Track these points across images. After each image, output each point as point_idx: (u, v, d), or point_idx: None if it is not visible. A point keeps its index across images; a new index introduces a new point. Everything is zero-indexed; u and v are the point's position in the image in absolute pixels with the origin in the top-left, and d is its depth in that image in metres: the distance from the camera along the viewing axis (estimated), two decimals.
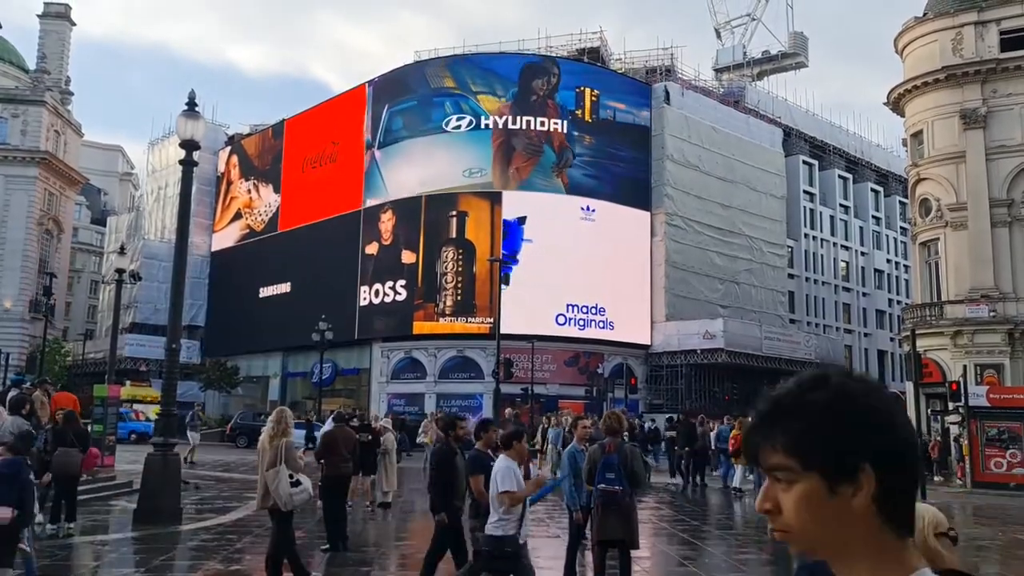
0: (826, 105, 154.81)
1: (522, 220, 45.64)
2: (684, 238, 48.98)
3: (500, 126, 47.62)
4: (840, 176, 63.71)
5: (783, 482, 1.15)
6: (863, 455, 1.11)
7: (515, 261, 40.61)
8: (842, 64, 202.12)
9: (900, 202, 64.70)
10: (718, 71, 68.10)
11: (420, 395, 45.72)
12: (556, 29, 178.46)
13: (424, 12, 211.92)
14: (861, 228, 65.05)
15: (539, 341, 41.88)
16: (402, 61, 59.19)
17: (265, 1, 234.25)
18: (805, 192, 60.49)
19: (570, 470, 9.35)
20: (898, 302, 62.89)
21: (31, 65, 65.94)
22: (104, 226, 76.13)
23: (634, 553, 8.84)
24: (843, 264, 63.35)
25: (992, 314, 33.36)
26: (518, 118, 47.55)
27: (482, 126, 47.88)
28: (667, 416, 34.59)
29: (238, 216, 60.88)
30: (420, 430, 30.53)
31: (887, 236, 67.33)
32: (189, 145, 14.78)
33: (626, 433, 18.36)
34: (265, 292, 56.07)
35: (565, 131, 47.95)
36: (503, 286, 34.97)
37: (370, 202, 50.35)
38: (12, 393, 14.09)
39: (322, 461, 12.43)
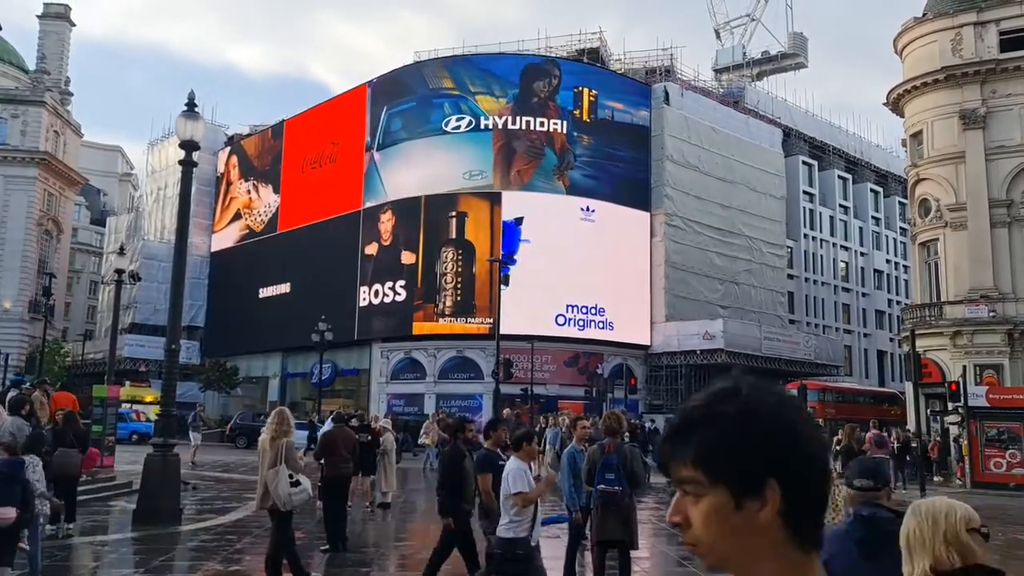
0: (826, 106, 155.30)
1: (519, 221, 45.65)
2: (684, 238, 48.98)
3: (500, 127, 47.63)
4: (840, 176, 63.74)
5: (692, 495, 1.14)
6: (769, 470, 1.10)
7: (513, 261, 40.58)
8: (842, 64, 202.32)
9: (900, 202, 64.73)
10: (718, 71, 68.11)
11: (420, 395, 45.73)
12: (556, 29, 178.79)
13: (424, 12, 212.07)
14: (861, 228, 65.09)
15: (539, 341, 41.87)
16: (402, 61, 59.26)
17: (265, 1, 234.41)
18: (805, 192, 60.51)
19: (569, 471, 9.35)
20: (898, 302, 62.91)
21: (31, 65, 65.93)
22: (103, 226, 76.13)
23: (633, 554, 8.84)
24: (843, 264, 63.37)
25: (991, 314, 33.37)
26: (518, 118, 47.56)
27: (481, 127, 47.88)
28: (666, 416, 34.53)
29: (238, 216, 60.87)
30: (422, 431, 30.56)
31: (887, 236, 67.37)
32: (189, 146, 14.78)
33: (627, 434, 18.39)
34: (265, 293, 56.06)
35: (565, 131, 47.95)
36: (503, 286, 34.96)
37: (369, 203, 50.36)
38: (12, 394, 14.09)
39: (322, 461, 12.43)
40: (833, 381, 48.63)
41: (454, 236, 47.10)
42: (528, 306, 40.61)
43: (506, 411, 31.98)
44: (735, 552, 1.12)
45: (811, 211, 61.28)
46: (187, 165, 15.12)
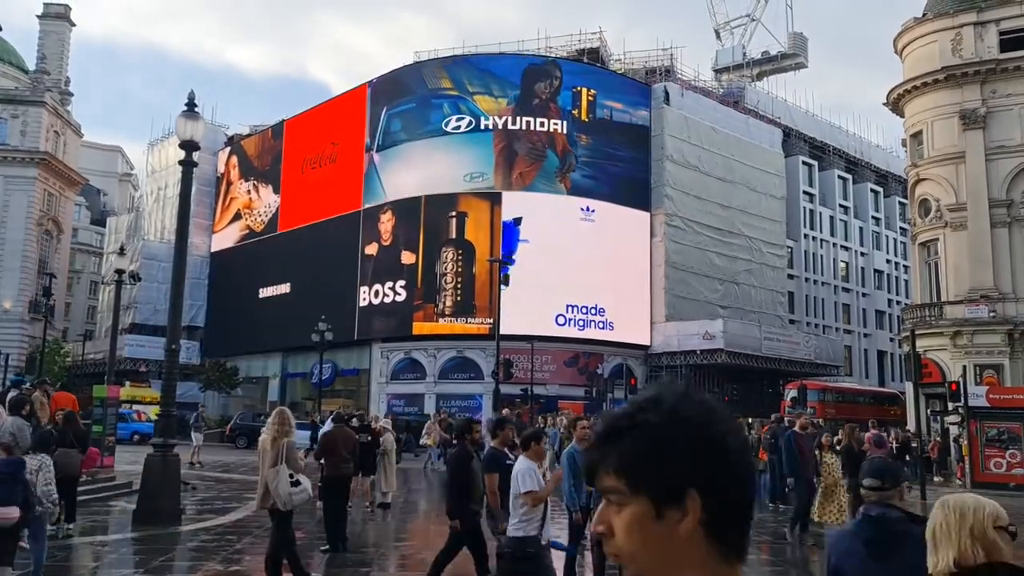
0: (826, 106, 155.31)
1: (517, 221, 45.66)
2: (684, 239, 48.98)
3: (500, 127, 47.60)
4: (840, 176, 63.75)
5: (615, 504, 1.13)
6: (690, 480, 1.09)
7: (512, 262, 40.59)
8: (842, 65, 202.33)
9: (900, 202, 64.74)
10: (718, 72, 68.12)
11: (420, 396, 45.73)
12: (556, 30, 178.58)
13: (424, 12, 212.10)
14: (861, 228, 65.09)
15: (539, 342, 41.87)
16: (402, 62, 59.24)
17: (265, 2, 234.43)
18: (805, 193, 60.52)
19: (569, 470, 9.35)
20: (898, 302, 62.92)
21: (31, 66, 65.93)
22: (104, 227, 76.14)
23: None
24: (843, 264, 63.38)
25: (992, 314, 33.37)
26: (519, 119, 47.55)
27: (481, 127, 47.86)
28: None
29: (238, 217, 60.88)
30: (424, 431, 30.54)
31: (887, 236, 67.37)
32: (188, 146, 14.78)
33: None
34: (265, 293, 56.06)
35: (565, 131, 47.94)
36: (503, 286, 34.97)
37: (369, 204, 50.36)
38: (12, 394, 14.09)
39: (322, 461, 12.43)
40: (833, 381, 48.63)
41: (454, 236, 47.09)
42: (528, 306, 40.61)
43: (505, 411, 31.92)
44: (656, 562, 1.11)
45: (811, 211, 61.29)
46: (187, 165, 15.11)
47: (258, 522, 13.00)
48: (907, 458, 27.45)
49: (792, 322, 56.17)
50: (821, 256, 61.28)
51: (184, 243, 15.56)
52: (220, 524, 14.04)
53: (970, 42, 35.23)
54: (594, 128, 48.55)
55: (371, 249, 49.53)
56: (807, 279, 59.77)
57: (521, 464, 7.01)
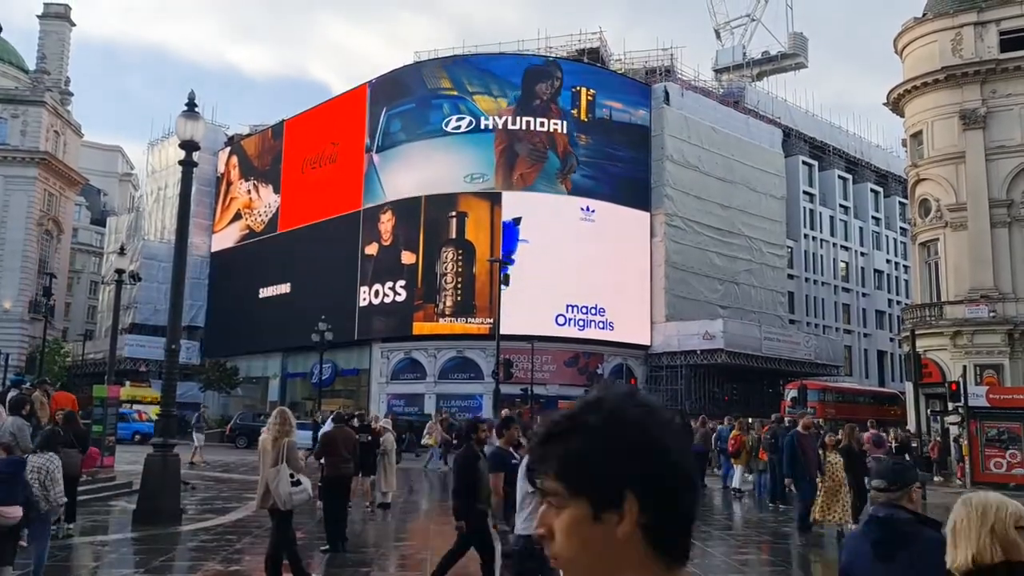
0: (826, 106, 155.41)
1: (517, 221, 45.66)
2: (684, 238, 48.98)
3: (501, 127, 47.59)
4: (840, 176, 63.75)
5: (555, 507, 1.12)
6: (627, 482, 1.08)
7: (511, 262, 40.61)
8: (842, 65, 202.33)
9: (900, 202, 64.75)
10: (718, 72, 68.12)
11: (420, 396, 45.73)
12: (556, 30, 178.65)
13: (424, 13, 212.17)
14: (861, 228, 65.10)
15: (539, 342, 41.87)
16: (402, 62, 59.19)
17: (265, 2, 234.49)
18: (805, 193, 60.52)
19: None
20: (898, 302, 62.92)
21: (31, 66, 65.94)
22: (104, 227, 76.15)
23: None
24: (843, 264, 63.38)
25: (992, 314, 33.37)
26: (519, 119, 47.54)
27: (481, 127, 47.85)
28: None
29: (238, 217, 60.88)
30: (425, 431, 30.53)
31: (887, 236, 67.38)
32: (189, 146, 14.77)
33: None
34: (265, 293, 56.06)
35: (565, 131, 47.93)
36: (503, 286, 34.97)
37: (369, 204, 50.36)
38: (12, 394, 14.09)
39: (322, 461, 12.42)
40: (833, 381, 48.65)
41: (454, 236, 47.09)
42: (528, 306, 40.61)
43: (504, 411, 31.92)
44: (594, 565, 1.10)
45: (811, 211, 61.30)
46: (187, 165, 15.11)
47: (258, 522, 13.00)
48: (906, 458, 27.51)
49: (792, 322, 56.17)
50: (821, 256, 61.28)
51: (184, 243, 15.55)
52: (220, 524, 14.04)
53: (970, 42, 35.23)
54: (594, 128, 48.55)
55: (371, 249, 49.53)
56: (807, 279, 59.78)
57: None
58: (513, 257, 42.69)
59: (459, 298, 46.23)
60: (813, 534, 13.87)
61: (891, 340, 61.11)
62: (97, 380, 31.40)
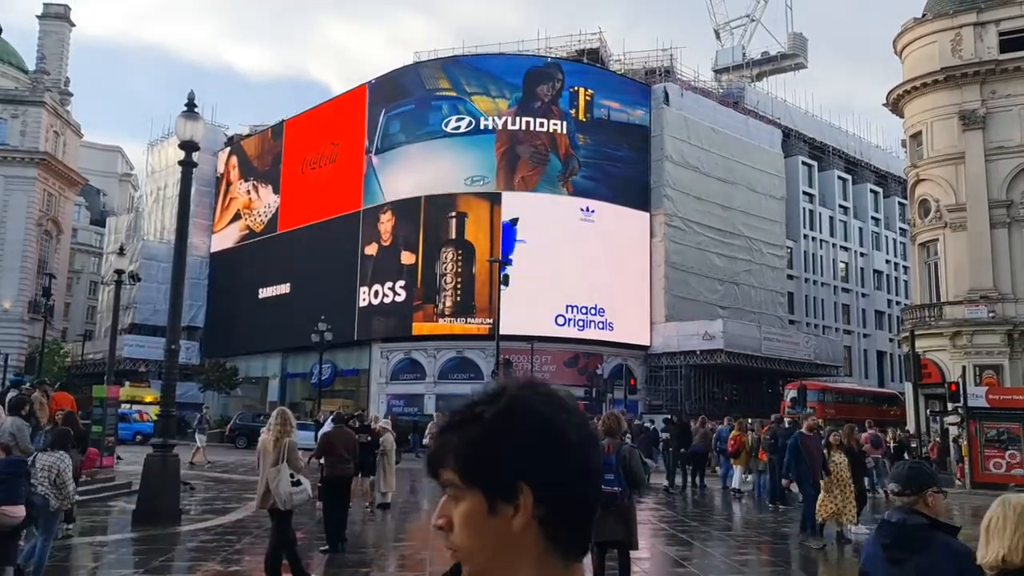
0: (825, 106, 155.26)
1: (514, 221, 45.66)
2: (683, 239, 48.99)
3: (501, 127, 47.55)
4: (839, 177, 63.77)
5: (453, 499, 1.12)
6: (522, 474, 1.07)
7: (508, 262, 40.64)
8: (841, 65, 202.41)
9: (899, 203, 64.78)
10: (717, 72, 68.13)
11: (419, 396, 45.72)
12: (557, 30, 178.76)
13: (424, 14, 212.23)
14: (860, 229, 65.12)
15: (538, 342, 41.88)
16: (403, 62, 59.16)
17: (265, 2, 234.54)
18: (804, 193, 60.54)
19: None
20: (897, 303, 62.94)
21: (31, 66, 65.93)
22: (103, 227, 76.15)
23: (633, 554, 8.84)
24: (842, 265, 63.40)
25: (991, 315, 33.38)
26: (519, 119, 47.54)
27: (481, 127, 47.84)
28: (664, 417, 34.59)
29: (237, 217, 60.88)
30: (427, 431, 30.48)
31: (886, 237, 67.41)
32: (188, 146, 14.77)
33: (628, 435, 18.32)
34: (264, 293, 56.06)
35: (566, 132, 47.92)
36: (503, 287, 34.97)
37: (369, 204, 50.36)
38: (11, 394, 14.09)
39: (322, 462, 12.42)
40: (833, 381, 48.66)
41: (454, 236, 47.09)
42: (528, 306, 40.61)
43: None
44: (490, 557, 1.10)
45: (811, 212, 61.32)
46: (187, 165, 15.11)
47: (258, 522, 13.01)
48: (905, 458, 27.52)
49: (792, 322, 56.19)
50: (821, 256, 61.30)
51: (184, 243, 15.55)
52: (220, 524, 14.04)
53: (970, 43, 35.24)
54: (592, 128, 48.56)
55: (371, 249, 49.54)
56: (807, 279, 59.80)
57: None
58: (510, 258, 42.66)
59: (459, 298, 46.23)
60: (813, 535, 13.83)
61: (891, 340, 61.11)
62: (97, 380, 31.40)
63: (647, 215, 48.78)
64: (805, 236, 60.19)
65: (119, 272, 28.13)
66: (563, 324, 45.41)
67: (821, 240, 61.56)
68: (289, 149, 57.16)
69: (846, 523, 13.43)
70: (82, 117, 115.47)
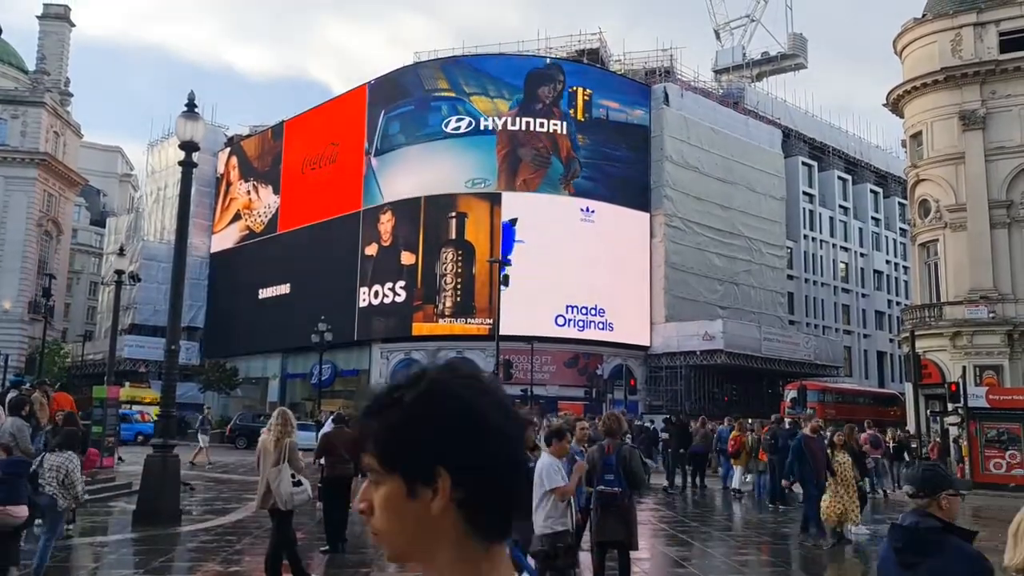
0: (825, 106, 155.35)
1: (513, 222, 45.65)
2: (683, 239, 48.99)
3: (502, 127, 47.52)
4: (839, 177, 63.77)
5: (374, 483, 1.12)
6: (440, 458, 1.07)
7: (508, 262, 40.66)
8: (841, 65, 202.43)
9: (899, 203, 64.77)
10: (717, 72, 68.13)
11: None
12: (557, 30, 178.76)
13: (424, 13, 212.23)
14: (860, 229, 65.11)
15: (538, 342, 41.87)
16: (403, 63, 59.18)
17: (265, 3, 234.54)
18: (804, 193, 60.53)
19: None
20: (897, 303, 62.94)
21: (31, 66, 65.93)
22: (103, 227, 76.15)
23: (633, 554, 8.84)
24: (842, 265, 63.39)
25: (991, 315, 33.37)
26: (518, 119, 47.54)
27: (481, 127, 47.82)
28: (664, 417, 34.58)
29: (237, 217, 60.88)
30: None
31: (886, 237, 67.39)
32: (188, 146, 14.77)
33: (629, 436, 18.30)
34: (264, 293, 56.05)
35: (566, 132, 47.90)
36: (503, 287, 34.97)
37: (369, 204, 50.36)
38: (12, 394, 14.09)
39: (322, 462, 12.42)
40: (833, 382, 48.65)
41: (454, 237, 47.09)
42: (528, 307, 40.60)
43: None
44: (410, 541, 1.11)
45: (811, 212, 61.31)
46: (187, 166, 15.11)
47: (258, 523, 13.00)
48: (905, 458, 27.52)
49: (792, 323, 56.19)
50: (821, 257, 61.29)
51: (184, 244, 15.55)
52: (220, 524, 14.03)
53: (970, 43, 35.23)
54: (592, 128, 48.55)
55: (371, 250, 49.53)
56: (807, 280, 59.79)
57: (545, 460, 7.06)
58: (509, 258, 42.67)
59: (459, 299, 46.23)
60: (812, 535, 13.82)
61: (891, 341, 61.10)
62: (97, 381, 31.40)
63: (647, 215, 48.77)
64: (805, 236, 60.19)
65: (119, 272, 28.12)
66: (563, 324, 45.41)
67: (821, 240, 61.55)
68: (289, 149, 57.17)
69: (848, 523, 13.40)
70: (82, 117, 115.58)
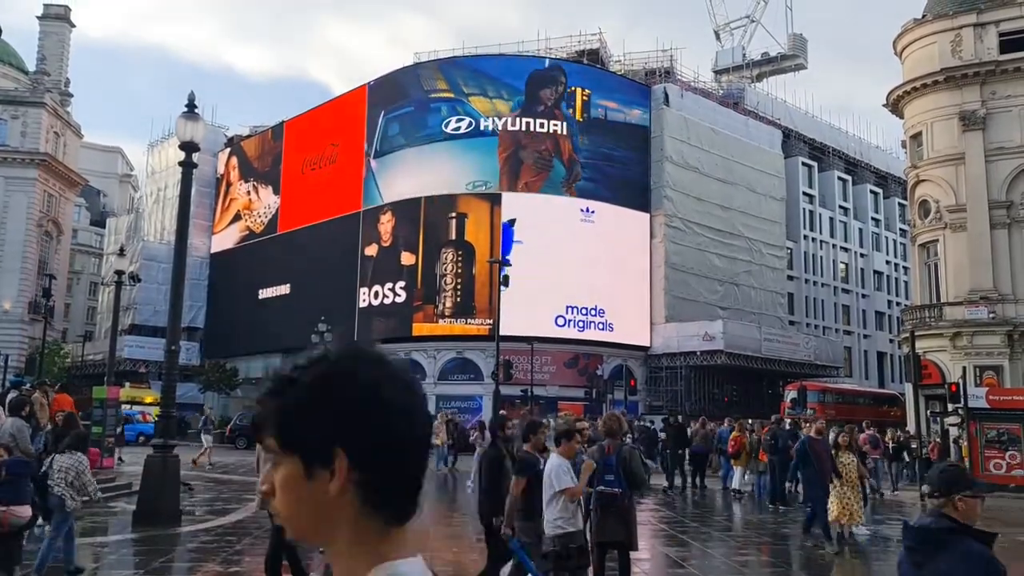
0: (825, 107, 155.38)
1: (511, 222, 45.65)
2: (683, 240, 49.00)
3: (501, 128, 47.52)
4: (839, 178, 63.78)
5: (275, 464, 1.12)
6: (338, 439, 1.06)
7: (507, 262, 40.65)
8: (841, 66, 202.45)
9: (899, 204, 64.78)
10: (717, 73, 68.15)
11: None
12: (557, 31, 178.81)
13: (425, 14, 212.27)
14: (860, 230, 65.11)
15: (538, 343, 41.87)
16: (403, 63, 59.17)
17: (265, 3, 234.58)
18: (804, 194, 60.54)
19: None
20: (897, 304, 62.95)
21: (31, 67, 65.93)
22: (103, 228, 76.16)
23: (633, 555, 8.83)
24: (842, 266, 63.39)
25: (991, 316, 33.37)
26: (518, 119, 47.54)
27: (482, 128, 47.81)
28: (663, 418, 34.56)
29: (237, 218, 60.89)
30: (433, 431, 30.53)
31: (886, 238, 67.40)
32: (188, 147, 14.76)
33: (629, 436, 18.27)
34: (264, 294, 56.06)
35: (566, 132, 47.89)
36: (503, 287, 34.98)
37: (369, 205, 50.37)
38: (12, 395, 14.10)
39: None
40: (833, 382, 48.65)
41: (454, 237, 47.10)
42: (528, 307, 40.60)
43: (502, 412, 31.89)
44: (309, 523, 1.11)
45: (811, 212, 61.32)
46: (187, 166, 15.10)
47: (258, 523, 12.99)
48: (904, 459, 27.55)
49: (792, 323, 56.20)
50: (821, 257, 61.30)
51: (184, 244, 15.54)
52: (220, 525, 14.02)
53: (970, 43, 35.24)
54: (591, 128, 48.54)
55: (371, 250, 49.54)
56: (807, 280, 59.80)
57: (553, 461, 7.06)
58: (508, 258, 42.67)
59: (459, 299, 46.23)
60: (814, 536, 13.79)
61: (891, 341, 61.11)
62: (97, 381, 31.38)
63: (647, 216, 48.78)
64: (805, 237, 60.20)
65: (119, 273, 28.12)
66: (563, 325, 45.41)
67: (821, 241, 61.56)
68: (289, 150, 57.18)
69: (850, 524, 13.36)
70: (82, 118, 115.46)
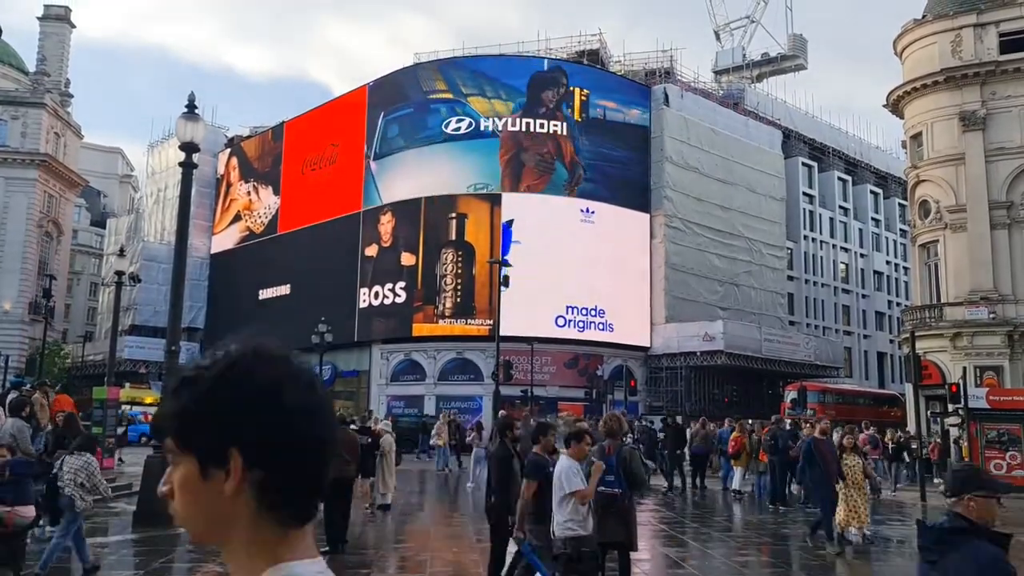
0: (825, 107, 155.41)
1: (510, 223, 45.65)
2: (683, 240, 49.00)
3: (503, 129, 47.49)
4: (839, 178, 63.78)
5: (174, 464, 1.11)
6: (233, 439, 1.05)
7: (506, 263, 40.64)
8: (841, 66, 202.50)
9: (900, 204, 64.79)
10: (717, 73, 68.18)
11: (420, 397, 45.72)
12: (557, 31, 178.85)
13: (425, 14, 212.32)
14: (860, 230, 65.12)
15: (538, 343, 41.88)
16: (403, 64, 59.19)
17: (265, 3, 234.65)
18: (804, 194, 60.54)
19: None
20: (897, 304, 62.96)
21: (31, 67, 65.94)
22: (104, 228, 76.18)
23: (633, 555, 8.84)
24: (842, 266, 63.40)
25: (991, 316, 33.37)
26: (518, 120, 47.55)
27: (482, 128, 47.80)
28: (662, 418, 34.56)
29: (238, 218, 60.89)
30: (433, 432, 30.53)
31: (886, 238, 67.41)
32: (188, 147, 14.78)
33: (630, 436, 18.25)
34: (265, 294, 56.07)
35: (566, 132, 47.88)
36: (503, 288, 34.98)
37: (369, 205, 50.37)
38: (12, 395, 14.10)
39: None
40: (833, 383, 48.64)
41: (454, 237, 47.10)
42: (528, 308, 40.60)
43: (501, 413, 31.87)
44: (205, 523, 1.10)
45: (811, 213, 61.33)
46: (187, 167, 15.12)
47: None
48: (904, 459, 27.54)
49: (792, 323, 56.20)
50: (821, 258, 61.30)
51: (184, 244, 15.56)
52: None
53: (970, 44, 35.25)
54: (590, 128, 48.54)
55: (371, 250, 49.54)
56: (807, 280, 59.80)
57: (563, 463, 7.05)
58: (506, 258, 42.67)
59: (459, 299, 46.23)
60: (817, 537, 13.77)
61: (891, 342, 61.12)
62: (97, 382, 31.36)
63: (647, 216, 48.78)
64: (805, 237, 60.20)
65: (119, 273, 28.12)
66: (563, 325, 45.41)
67: (821, 241, 61.56)
68: (289, 150, 57.19)
69: (852, 527, 13.32)
70: (82, 118, 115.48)
